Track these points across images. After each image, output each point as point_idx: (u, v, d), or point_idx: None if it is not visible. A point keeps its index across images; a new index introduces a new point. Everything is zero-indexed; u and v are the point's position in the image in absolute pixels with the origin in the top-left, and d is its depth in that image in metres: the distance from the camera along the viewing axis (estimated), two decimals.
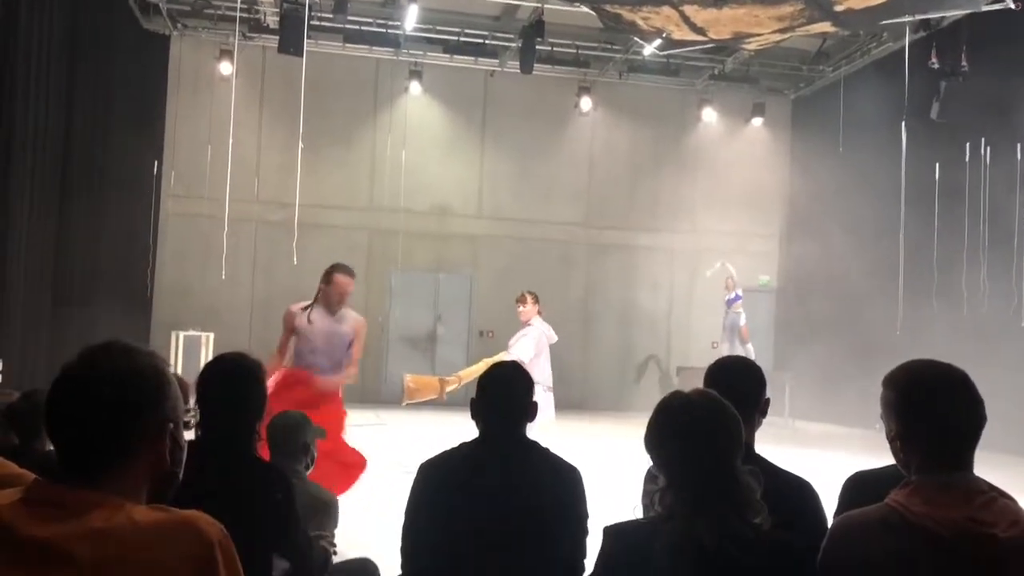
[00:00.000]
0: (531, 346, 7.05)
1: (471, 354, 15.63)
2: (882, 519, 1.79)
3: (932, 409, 1.86)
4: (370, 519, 5.60)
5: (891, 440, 1.94)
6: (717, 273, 15.04)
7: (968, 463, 1.85)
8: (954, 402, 1.86)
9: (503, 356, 6.76)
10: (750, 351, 14.74)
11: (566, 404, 11.96)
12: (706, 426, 1.90)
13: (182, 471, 1.51)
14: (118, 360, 1.40)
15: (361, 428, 11.23)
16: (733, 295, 14.76)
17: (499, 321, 15.46)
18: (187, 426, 1.56)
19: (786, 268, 16.83)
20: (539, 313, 7.39)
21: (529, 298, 7.45)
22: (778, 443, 11.79)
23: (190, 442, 2.49)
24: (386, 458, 8.81)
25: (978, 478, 1.82)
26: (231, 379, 2.53)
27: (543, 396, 6.74)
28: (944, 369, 1.95)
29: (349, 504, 5.74)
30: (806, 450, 11.06)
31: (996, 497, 1.77)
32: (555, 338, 7.42)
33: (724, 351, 14.83)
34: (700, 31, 8.73)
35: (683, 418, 1.93)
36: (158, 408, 1.42)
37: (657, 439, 1.94)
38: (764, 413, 2.68)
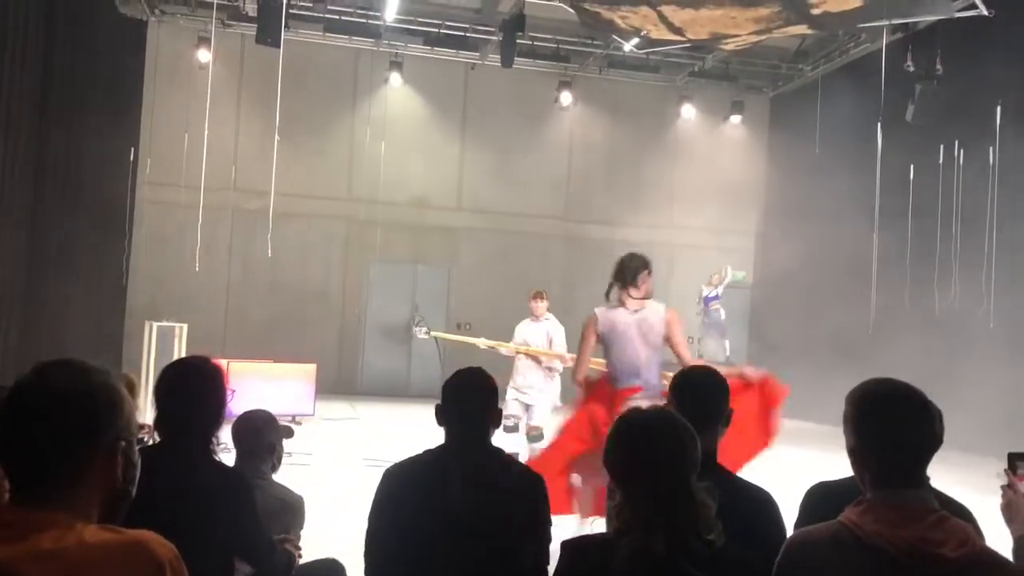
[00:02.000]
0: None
1: (448, 346, 15.65)
2: (834, 536, 1.82)
3: (885, 426, 1.89)
4: (340, 517, 5.60)
5: (849, 453, 1.97)
6: (724, 276, 15.07)
7: (920, 480, 1.88)
8: (907, 421, 1.89)
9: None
10: (726, 347, 14.87)
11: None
12: (662, 444, 1.92)
13: (135, 488, 1.51)
14: (71, 379, 1.40)
15: (335, 422, 11.27)
16: (714, 293, 14.84)
17: (477, 313, 15.48)
18: (141, 442, 1.56)
19: (762, 264, 16.95)
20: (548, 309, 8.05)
21: (545, 295, 8.07)
22: None
23: (149, 447, 2.50)
24: (357, 453, 8.83)
25: (930, 496, 1.85)
26: (187, 384, 2.52)
27: (552, 383, 7.72)
28: (901, 388, 1.98)
29: (318, 503, 5.74)
30: (780, 447, 11.16)
31: (947, 516, 1.80)
32: None
33: (708, 347, 14.94)
34: (678, 31, 8.76)
35: (639, 436, 1.95)
36: (110, 427, 1.42)
37: (616, 457, 1.97)
38: (728, 423, 2.71)
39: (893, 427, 1.88)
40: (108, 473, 1.42)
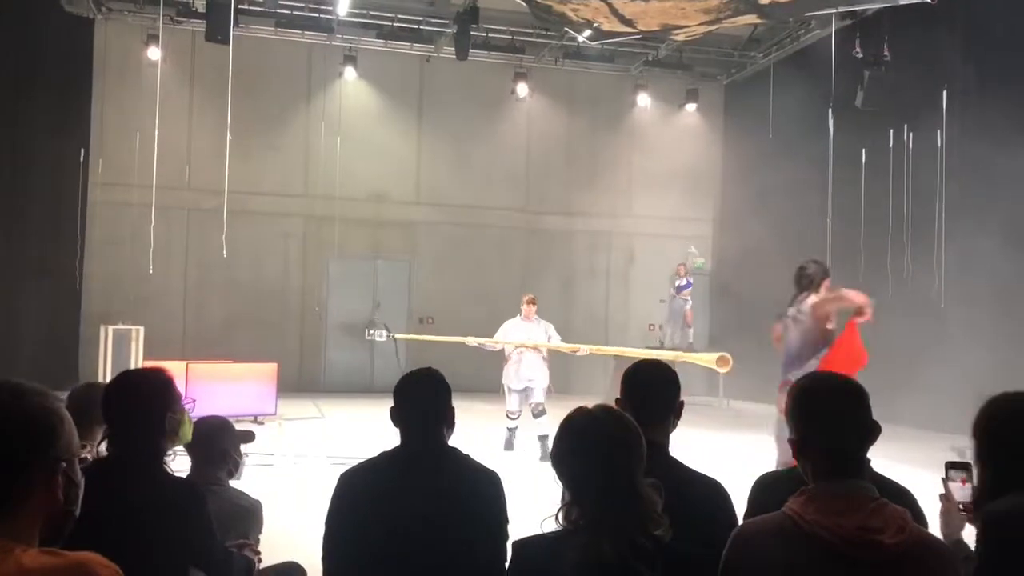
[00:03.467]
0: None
1: (411, 341, 15.63)
2: (778, 527, 1.86)
3: (824, 419, 1.94)
4: (302, 519, 5.57)
5: (791, 445, 2.01)
6: (690, 256, 15.27)
7: (859, 469, 1.92)
8: (845, 412, 1.94)
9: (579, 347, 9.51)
10: (689, 335, 15.05)
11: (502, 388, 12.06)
12: (607, 443, 1.95)
13: (79, 507, 1.50)
14: (6, 404, 1.38)
15: (300, 422, 11.20)
16: (685, 281, 15.01)
17: (438, 307, 15.48)
18: (83, 462, 1.55)
19: (720, 251, 17.12)
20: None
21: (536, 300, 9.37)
22: (712, 424, 12.05)
23: (97, 463, 2.48)
24: (320, 452, 8.80)
25: (868, 484, 1.89)
26: (131, 398, 2.50)
27: (546, 370, 9.10)
28: (838, 381, 2.03)
29: (280, 504, 5.72)
30: (740, 433, 11.33)
31: (885, 503, 1.84)
32: None
33: (668, 334, 15.11)
34: (629, 23, 8.82)
35: (586, 436, 1.98)
36: (49, 449, 1.40)
37: (561, 456, 1.99)
38: (679, 416, 2.73)
39: (831, 419, 1.93)
40: (48, 495, 1.41)
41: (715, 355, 8.41)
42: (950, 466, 2.39)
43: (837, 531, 1.76)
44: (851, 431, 1.93)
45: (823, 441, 1.92)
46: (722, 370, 8.61)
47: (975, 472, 2.27)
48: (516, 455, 9.10)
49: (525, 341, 9.06)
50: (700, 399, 14.34)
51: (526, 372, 9.02)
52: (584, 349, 9.47)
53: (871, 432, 1.95)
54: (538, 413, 8.91)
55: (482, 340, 9.44)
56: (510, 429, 9.32)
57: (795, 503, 1.87)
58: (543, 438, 8.67)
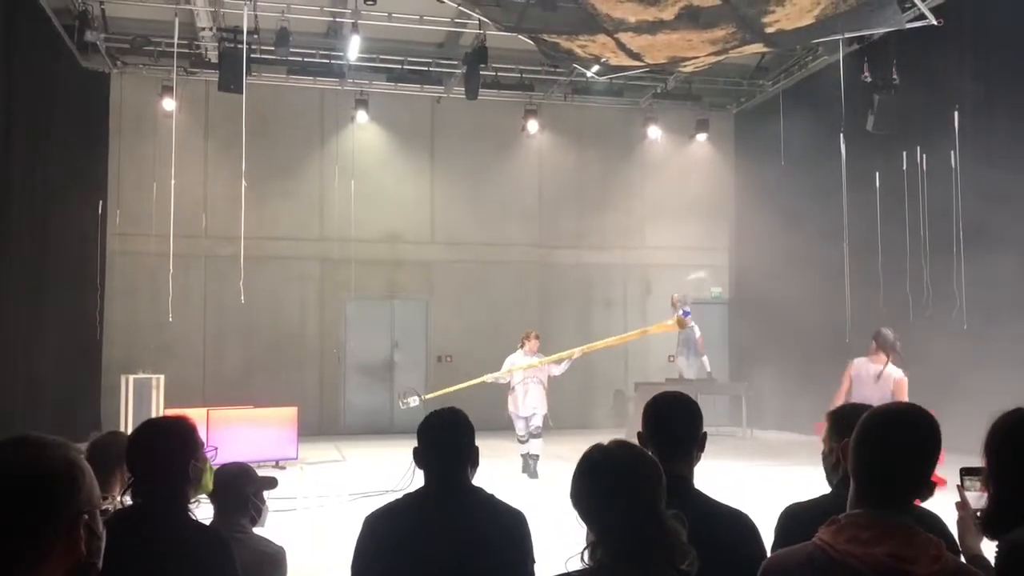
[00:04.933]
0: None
1: (430, 379, 15.59)
2: (808, 557, 1.82)
3: (877, 451, 1.85)
4: (323, 562, 5.54)
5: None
6: (698, 281, 15.16)
7: (901, 503, 1.84)
8: (901, 447, 1.84)
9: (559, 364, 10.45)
10: (705, 363, 14.92)
11: None
12: (629, 480, 1.93)
13: (101, 559, 1.49)
14: (27, 457, 1.38)
15: (321, 465, 11.17)
16: (682, 311, 14.88)
17: (457, 345, 15.48)
18: (104, 513, 1.54)
19: (736, 279, 17.06)
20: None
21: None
22: (737, 455, 11.92)
23: (121, 512, 2.47)
24: (342, 493, 8.76)
25: (905, 517, 1.82)
26: (154, 446, 2.50)
27: (545, 399, 10.32)
28: (905, 412, 1.95)
29: (303, 549, 5.69)
30: (765, 463, 11.20)
31: (918, 531, 1.79)
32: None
33: (681, 364, 14.98)
34: (636, 56, 8.88)
35: (606, 474, 1.96)
36: (71, 503, 1.40)
37: (582, 496, 1.97)
38: (702, 448, 2.70)
39: (884, 452, 1.84)
40: (71, 548, 1.40)
41: (671, 320, 10.47)
42: (965, 472, 2.27)
43: (868, 560, 1.72)
44: (898, 464, 1.83)
45: (872, 472, 1.83)
46: (680, 329, 10.78)
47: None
48: (538, 486, 9.07)
49: (533, 363, 10.24)
50: (724, 429, 14.22)
51: (531, 402, 10.17)
52: (576, 351, 10.35)
53: (923, 467, 1.85)
54: (535, 435, 10.17)
55: (496, 374, 10.36)
56: (523, 455, 10.27)
57: (825, 532, 1.84)
58: (534, 457, 10.16)
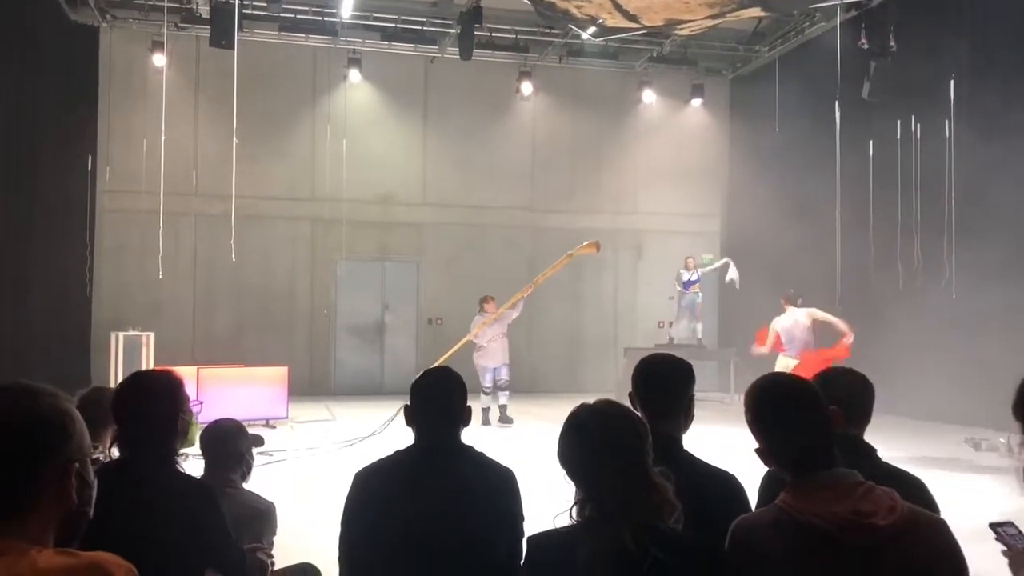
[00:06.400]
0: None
1: (420, 343, 15.63)
2: (774, 520, 1.90)
3: (781, 420, 1.99)
4: (313, 520, 5.57)
5: (757, 453, 2.02)
6: (719, 267, 15.08)
7: (832, 460, 1.94)
8: (801, 408, 1.98)
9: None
10: (698, 330, 15.01)
11: (515, 387, 12.07)
12: (615, 437, 1.94)
13: (92, 508, 1.50)
14: (18, 404, 1.38)
15: (311, 424, 11.22)
16: (696, 276, 14.91)
17: (447, 308, 15.48)
18: (95, 463, 1.54)
19: (728, 246, 17.05)
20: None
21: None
22: (725, 420, 12.04)
23: (109, 464, 2.48)
24: (331, 454, 8.80)
25: (850, 470, 1.92)
26: (141, 399, 2.50)
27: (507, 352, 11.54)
28: (784, 381, 2.12)
29: (291, 506, 5.72)
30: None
31: (872, 487, 1.87)
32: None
33: (681, 329, 15.06)
34: (633, 18, 8.79)
35: (590, 430, 1.97)
36: (62, 450, 1.40)
37: (570, 454, 1.98)
38: (690, 412, 2.70)
39: (790, 418, 1.97)
40: (62, 496, 1.40)
41: (588, 243, 11.46)
42: (995, 526, 2.39)
43: (831, 518, 1.81)
44: (811, 425, 1.96)
45: (790, 441, 1.95)
46: (597, 251, 11.77)
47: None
48: (526, 445, 9.13)
49: (497, 312, 11.43)
50: (712, 395, 14.31)
51: (499, 355, 11.37)
52: (527, 289, 11.55)
53: (828, 423, 1.99)
54: (503, 387, 11.37)
55: (471, 334, 11.37)
56: (483, 409, 11.07)
57: (786, 496, 1.92)
58: (503, 407, 11.30)
